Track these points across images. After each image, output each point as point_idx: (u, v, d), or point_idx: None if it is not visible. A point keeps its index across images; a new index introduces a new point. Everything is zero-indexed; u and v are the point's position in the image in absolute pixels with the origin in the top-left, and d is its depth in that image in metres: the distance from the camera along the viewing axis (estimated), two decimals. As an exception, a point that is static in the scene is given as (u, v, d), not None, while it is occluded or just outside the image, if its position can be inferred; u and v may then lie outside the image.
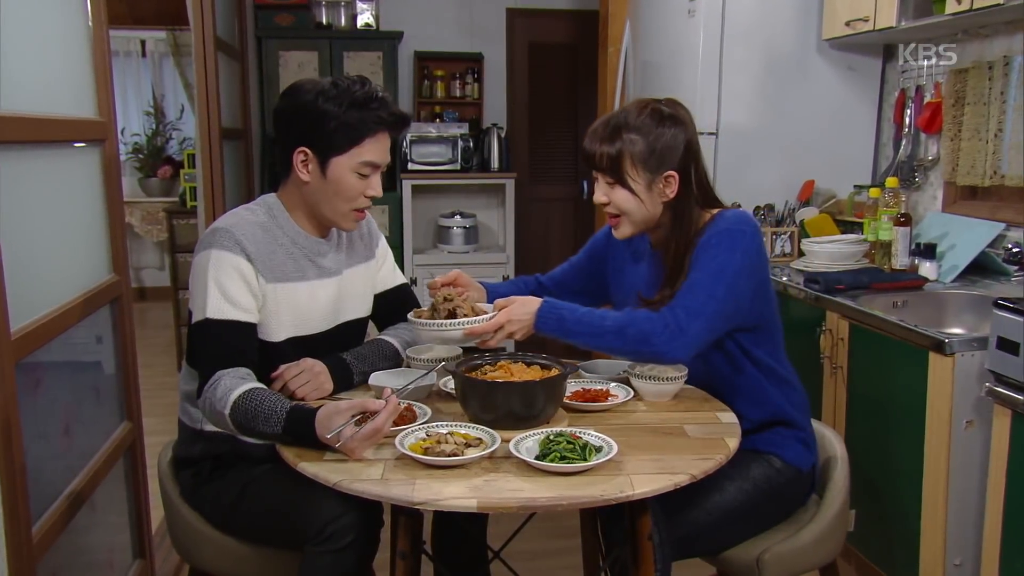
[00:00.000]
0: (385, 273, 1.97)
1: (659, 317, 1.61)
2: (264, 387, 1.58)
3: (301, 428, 1.47)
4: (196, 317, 1.63)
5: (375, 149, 1.68)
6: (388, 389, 1.48)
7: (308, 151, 1.67)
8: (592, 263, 1.99)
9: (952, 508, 2.02)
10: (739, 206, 1.99)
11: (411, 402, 1.63)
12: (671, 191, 1.71)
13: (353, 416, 1.42)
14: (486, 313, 1.69)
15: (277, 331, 1.70)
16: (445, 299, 1.70)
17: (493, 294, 1.92)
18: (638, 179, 1.70)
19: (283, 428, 1.49)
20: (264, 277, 1.66)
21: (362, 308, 1.90)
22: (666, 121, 1.70)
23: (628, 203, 1.72)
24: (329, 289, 1.78)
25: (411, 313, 1.73)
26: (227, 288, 1.61)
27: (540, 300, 1.68)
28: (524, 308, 1.67)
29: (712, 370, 1.78)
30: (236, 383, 1.56)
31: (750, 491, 1.74)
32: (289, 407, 1.51)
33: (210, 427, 1.69)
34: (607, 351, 1.69)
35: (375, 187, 1.72)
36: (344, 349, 1.82)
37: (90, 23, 1.98)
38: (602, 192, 1.75)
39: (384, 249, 1.98)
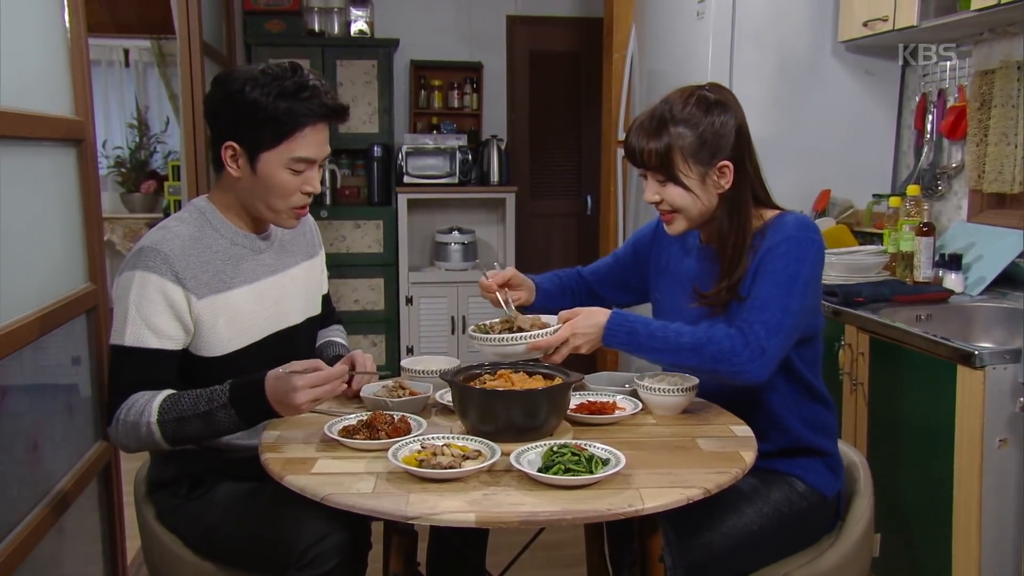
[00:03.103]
0: (324, 277, 1.97)
1: (739, 335, 1.58)
2: None
3: (248, 388, 1.51)
4: (114, 340, 1.60)
5: (308, 143, 1.63)
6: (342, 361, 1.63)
7: (236, 146, 1.63)
8: (636, 258, 1.97)
9: (986, 533, 1.98)
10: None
11: (406, 414, 1.61)
12: (726, 182, 1.68)
13: (306, 368, 1.50)
14: (550, 326, 1.68)
15: (224, 343, 1.66)
16: (504, 321, 1.73)
17: (541, 292, 1.93)
18: (691, 174, 1.67)
19: (228, 395, 1.52)
20: (196, 294, 1.62)
21: (314, 306, 1.89)
22: (714, 108, 1.66)
23: (683, 200, 1.69)
24: (273, 288, 1.76)
25: (472, 328, 1.74)
26: (149, 314, 1.58)
27: (607, 312, 1.65)
28: (590, 320, 1.65)
29: (738, 389, 1.74)
30: (157, 393, 1.57)
31: (769, 515, 1.70)
32: (233, 379, 1.55)
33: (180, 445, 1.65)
34: (681, 368, 1.67)
35: (312, 182, 1.67)
36: (310, 347, 1.84)
37: (67, 18, 1.98)
38: (653, 191, 1.72)
39: (322, 250, 1.98)
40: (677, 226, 1.74)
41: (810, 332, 1.73)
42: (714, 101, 1.67)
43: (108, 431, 1.61)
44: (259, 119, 1.59)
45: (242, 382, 1.54)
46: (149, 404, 1.55)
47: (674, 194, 1.69)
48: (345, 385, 1.58)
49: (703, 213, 1.71)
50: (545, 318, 1.75)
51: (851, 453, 1.88)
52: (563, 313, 1.69)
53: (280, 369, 1.51)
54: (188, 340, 1.64)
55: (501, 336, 1.66)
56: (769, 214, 1.73)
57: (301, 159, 1.63)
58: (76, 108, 2.01)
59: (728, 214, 1.70)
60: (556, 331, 1.65)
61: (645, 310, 1.96)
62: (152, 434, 1.54)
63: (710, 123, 1.65)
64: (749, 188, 1.70)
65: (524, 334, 1.65)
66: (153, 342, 1.59)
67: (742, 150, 1.69)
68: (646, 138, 1.68)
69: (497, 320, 1.76)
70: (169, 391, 1.58)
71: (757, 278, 1.64)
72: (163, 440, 1.56)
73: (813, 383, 1.76)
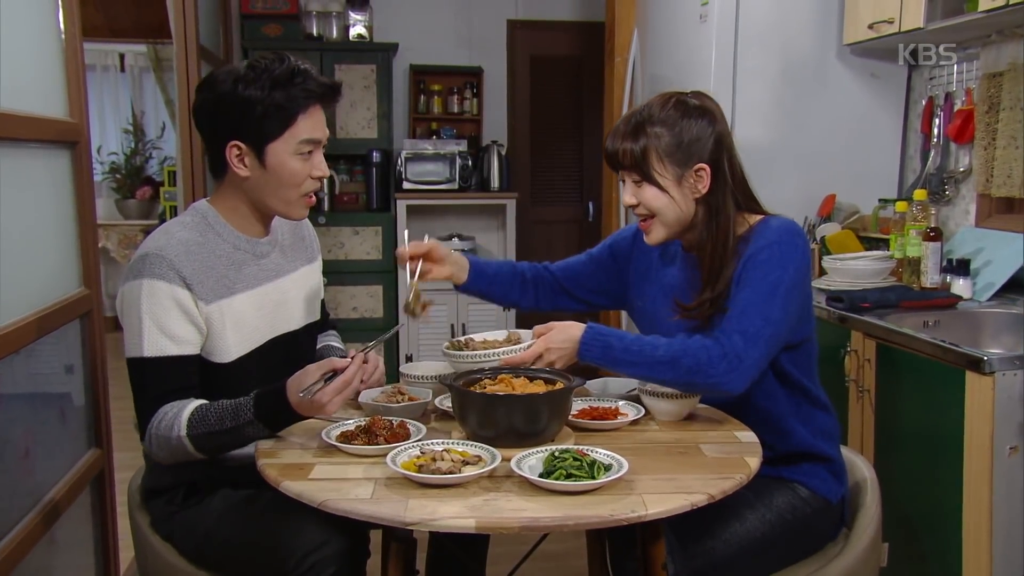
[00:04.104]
0: (321, 283, 1.98)
1: (715, 345, 1.57)
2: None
3: (272, 402, 1.52)
4: (131, 353, 1.60)
5: (311, 124, 1.65)
6: (353, 350, 1.57)
7: (241, 144, 1.64)
8: (615, 262, 1.96)
9: (997, 542, 1.97)
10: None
11: (405, 419, 1.61)
12: (703, 186, 1.69)
13: (323, 375, 1.49)
14: (523, 340, 1.69)
15: (231, 349, 1.67)
16: (416, 296, 1.75)
17: (476, 271, 1.93)
18: (666, 174, 1.68)
19: (253, 412, 1.52)
20: (204, 299, 1.62)
21: (314, 312, 1.90)
22: (693, 112, 1.68)
23: (658, 201, 1.70)
24: (274, 293, 1.76)
25: (445, 344, 1.75)
26: (164, 322, 1.58)
27: (582, 326, 1.65)
28: (564, 335, 1.65)
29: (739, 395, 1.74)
30: (184, 405, 1.58)
31: (773, 521, 1.70)
32: (255, 392, 1.54)
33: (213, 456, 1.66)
34: (658, 382, 1.66)
35: (320, 166, 1.70)
36: (310, 353, 1.86)
37: (61, 19, 1.98)
38: (630, 193, 1.73)
39: (320, 256, 1.99)
40: (655, 234, 1.74)
41: (800, 336, 1.72)
42: (694, 106, 1.69)
43: (143, 445, 1.63)
44: (259, 113, 1.61)
45: (265, 397, 1.54)
46: (178, 418, 1.55)
47: (650, 195, 1.70)
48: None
49: (680, 219, 1.72)
50: (519, 332, 1.76)
51: (858, 461, 1.88)
52: (537, 328, 1.69)
53: (297, 376, 1.52)
54: (203, 342, 1.64)
55: (474, 353, 1.67)
56: (755, 219, 1.73)
57: (308, 140, 1.65)
58: (71, 110, 2.02)
59: (706, 221, 1.71)
60: (529, 346, 1.66)
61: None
62: (184, 447, 1.56)
63: (687, 125, 1.67)
64: (729, 195, 1.71)
65: (497, 350, 1.66)
66: (173, 349, 1.59)
67: (720, 156, 1.69)
68: (623, 139, 1.70)
69: (472, 336, 1.79)
70: (196, 402, 1.58)
71: (739, 285, 1.64)
72: (195, 452, 1.57)
73: (809, 387, 1.76)
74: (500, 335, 1.80)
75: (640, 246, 1.90)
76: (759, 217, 1.73)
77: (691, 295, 1.74)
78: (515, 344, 1.70)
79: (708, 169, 1.68)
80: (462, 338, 1.77)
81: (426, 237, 1.86)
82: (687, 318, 1.71)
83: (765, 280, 1.61)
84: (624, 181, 1.74)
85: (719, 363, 1.56)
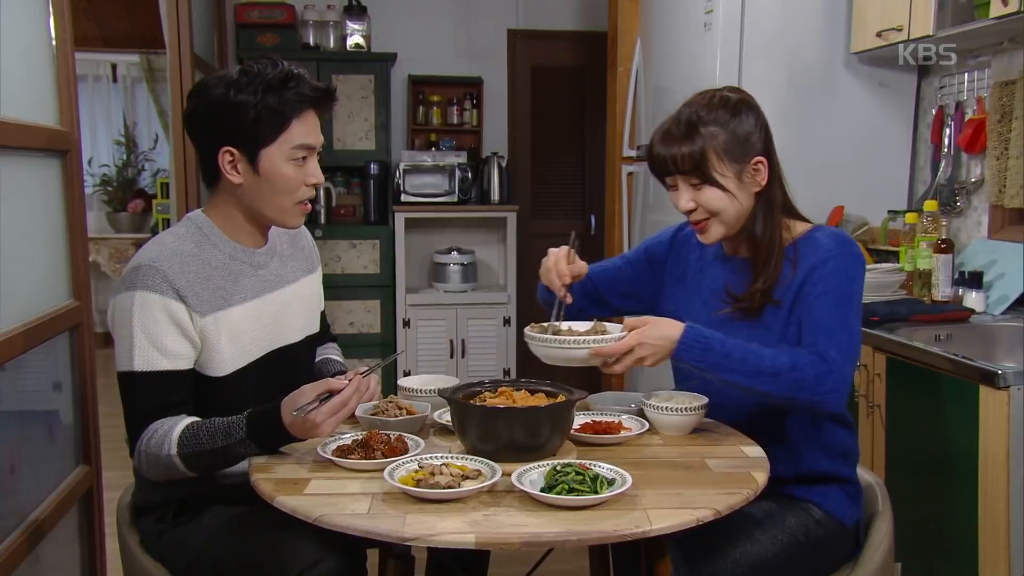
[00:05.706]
0: (321, 294, 1.99)
1: (821, 363, 1.58)
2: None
3: (265, 422, 1.52)
4: (122, 367, 1.60)
5: (305, 129, 1.66)
6: (351, 372, 1.58)
7: (233, 150, 1.64)
8: (650, 267, 1.96)
9: (1016, 563, 1.95)
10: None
11: (403, 433, 1.60)
12: (762, 178, 1.72)
13: (318, 395, 1.50)
14: (609, 332, 1.66)
15: (227, 362, 1.66)
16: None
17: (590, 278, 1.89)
18: (727, 172, 1.69)
19: (246, 431, 1.52)
20: (199, 312, 1.62)
21: (313, 324, 1.90)
22: (739, 107, 1.71)
23: (720, 202, 1.71)
24: (273, 304, 1.76)
25: (528, 327, 1.70)
26: (156, 335, 1.58)
27: (681, 325, 1.63)
28: (659, 332, 1.62)
29: (753, 412, 1.74)
30: (176, 421, 1.57)
31: (784, 542, 1.68)
32: (248, 411, 1.55)
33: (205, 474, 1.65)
34: (755, 393, 1.64)
35: (314, 173, 1.70)
36: (310, 365, 1.86)
37: (52, 26, 1.99)
38: (687, 197, 1.72)
39: (320, 266, 1.99)
40: (713, 233, 1.75)
41: None
42: (737, 100, 1.72)
43: (132, 463, 1.62)
44: (252, 117, 1.61)
45: (258, 417, 1.54)
46: (168, 436, 1.55)
47: (710, 197, 1.70)
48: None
49: (740, 215, 1.73)
50: (609, 325, 1.72)
51: (869, 478, 1.87)
52: (629, 320, 1.65)
53: (292, 395, 1.52)
54: (197, 356, 1.64)
55: (562, 339, 1.63)
56: (798, 227, 1.76)
57: (301, 146, 1.66)
58: (61, 118, 2.02)
59: (763, 214, 1.73)
60: (621, 339, 1.60)
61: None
62: (175, 465, 1.55)
63: (739, 121, 1.69)
64: (779, 188, 1.75)
65: (587, 338, 1.62)
66: (164, 364, 1.59)
67: (771, 148, 1.74)
68: (677, 143, 1.70)
69: (556, 323, 1.73)
70: (188, 420, 1.57)
71: (807, 300, 1.66)
72: (187, 471, 1.56)
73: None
74: (584, 326, 1.72)
75: (678, 250, 1.91)
76: (803, 226, 1.77)
77: (731, 299, 1.76)
78: (600, 335, 1.65)
79: (765, 161, 1.71)
80: (546, 324, 1.72)
81: (572, 236, 1.80)
82: (738, 309, 1.73)
83: (837, 292, 1.65)
84: (676, 186, 1.74)
85: (826, 381, 1.58)
